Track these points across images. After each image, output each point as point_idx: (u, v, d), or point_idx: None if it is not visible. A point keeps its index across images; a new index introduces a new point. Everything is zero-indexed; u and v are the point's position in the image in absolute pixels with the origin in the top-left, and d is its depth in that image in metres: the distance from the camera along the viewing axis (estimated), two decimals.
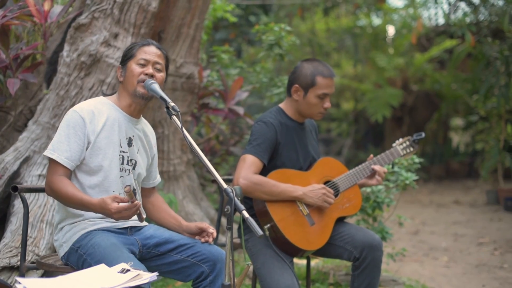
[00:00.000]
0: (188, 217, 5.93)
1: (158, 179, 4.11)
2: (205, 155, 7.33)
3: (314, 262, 6.58)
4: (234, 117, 7.13)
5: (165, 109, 3.58)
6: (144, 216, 3.56)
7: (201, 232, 3.76)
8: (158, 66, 3.76)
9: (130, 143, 3.79)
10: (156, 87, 3.63)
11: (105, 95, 3.89)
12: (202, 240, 3.72)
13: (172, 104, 3.50)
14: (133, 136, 3.81)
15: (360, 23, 17.12)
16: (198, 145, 7.33)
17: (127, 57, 3.76)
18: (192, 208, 6.02)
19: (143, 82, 3.69)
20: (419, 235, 9.12)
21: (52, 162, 3.63)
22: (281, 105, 4.55)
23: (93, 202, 3.45)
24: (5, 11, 5.92)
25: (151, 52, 3.76)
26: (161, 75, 3.77)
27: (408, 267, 7.00)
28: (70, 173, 3.65)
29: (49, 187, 3.61)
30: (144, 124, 3.98)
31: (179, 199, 5.93)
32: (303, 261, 6.34)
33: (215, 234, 3.76)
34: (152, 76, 3.71)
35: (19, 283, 2.88)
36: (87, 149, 3.64)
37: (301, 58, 13.97)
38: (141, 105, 3.82)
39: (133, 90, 3.71)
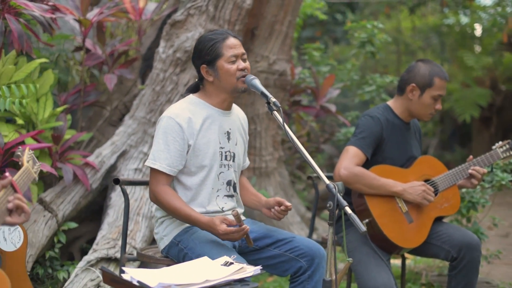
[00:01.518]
0: None
1: (247, 162, 4.09)
2: (295, 153, 7.34)
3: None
4: (325, 115, 7.11)
5: (259, 105, 3.57)
6: (252, 242, 3.57)
7: (278, 205, 3.73)
8: (244, 57, 3.74)
9: (228, 137, 3.80)
10: (257, 83, 3.62)
11: (188, 92, 3.89)
12: (277, 213, 3.68)
13: (274, 99, 3.49)
14: (230, 129, 3.81)
15: (447, 21, 16.83)
16: (288, 142, 7.33)
17: (212, 56, 3.68)
18: None
19: (242, 78, 3.69)
20: (510, 237, 8.92)
21: (154, 171, 3.65)
22: (389, 103, 4.53)
23: (201, 220, 3.47)
24: (101, 8, 6.05)
25: (234, 45, 3.70)
26: (248, 64, 3.75)
27: (499, 270, 6.83)
28: (172, 179, 3.69)
29: (154, 197, 3.65)
30: (237, 111, 3.97)
31: (270, 195, 5.93)
32: (397, 261, 6.27)
33: (291, 207, 3.72)
34: (245, 69, 3.70)
35: (126, 273, 2.93)
36: (187, 152, 3.67)
37: (387, 57, 13.84)
38: (234, 97, 3.84)
39: (233, 87, 3.69)
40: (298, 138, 7.22)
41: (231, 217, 3.52)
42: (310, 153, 7.64)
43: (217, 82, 3.70)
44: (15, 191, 2.56)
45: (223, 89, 3.72)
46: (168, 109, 3.73)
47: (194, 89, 3.85)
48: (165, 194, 3.58)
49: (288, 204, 3.69)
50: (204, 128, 3.69)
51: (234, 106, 3.94)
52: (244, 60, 3.71)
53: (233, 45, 3.70)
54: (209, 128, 3.71)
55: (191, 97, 3.79)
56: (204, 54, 3.70)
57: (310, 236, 4.77)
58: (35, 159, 3.07)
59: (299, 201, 6.45)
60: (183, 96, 3.90)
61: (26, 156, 2.96)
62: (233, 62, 3.67)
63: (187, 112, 3.67)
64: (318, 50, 8.02)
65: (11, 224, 2.53)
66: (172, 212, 3.59)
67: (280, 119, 3.42)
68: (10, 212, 2.51)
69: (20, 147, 2.98)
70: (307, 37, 13.58)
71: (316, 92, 6.85)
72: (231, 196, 3.78)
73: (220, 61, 3.67)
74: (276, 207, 3.67)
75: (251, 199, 3.94)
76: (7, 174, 2.55)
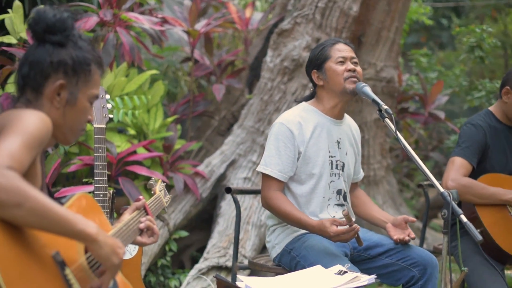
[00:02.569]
0: None
1: (361, 173, 4.07)
2: (403, 161, 7.24)
3: None
4: (433, 122, 6.99)
5: (376, 112, 3.53)
6: (363, 242, 3.53)
7: (404, 224, 3.68)
8: (354, 60, 3.72)
9: (338, 146, 3.78)
10: (368, 90, 3.59)
11: (300, 101, 3.90)
12: (401, 237, 3.63)
13: (385, 107, 3.44)
14: (340, 138, 3.79)
15: None
16: (395, 150, 7.24)
17: (320, 60, 3.71)
18: (392, 213, 5.93)
19: (349, 78, 3.67)
20: None
21: (265, 177, 3.67)
22: (491, 108, 4.41)
23: (311, 224, 3.46)
24: (209, 19, 6.14)
25: (343, 49, 3.71)
26: (359, 69, 3.73)
27: None
28: (283, 185, 3.70)
29: (266, 202, 3.67)
30: (349, 121, 3.95)
31: (379, 204, 5.87)
32: (510, 271, 6.07)
33: (413, 235, 3.66)
34: (354, 70, 3.68)
35: (240, 281, 2.95)
36: (298, 159, 3.68)
37: (494, 61, 13.47)
38: (346, 104, 3.80)
39: (341, 88, 3.67)
40: None
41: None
42: None
43: (326, 84, 3.71)
44: (147, 213, 2.64)
45: (332, 91, 3.71)
46: (281, 115, 3.76)
47: (309, 97, 3.86)
48: (276, 200, 3.60)
49: (413, 219, 3.66)
50: (314, 136, 3.69)
51: (346, 116, 3.93)
52: (354, 64, 3.70)
53: (342, 48, 3.72)
54: (320, 136, 3.70)
55: (304, 104, 3.81)
56: (314, 60, 3.74)
57: (421, 245, 4.69)
58: (166, 191, 3.16)
59: (408, 210, 6.35)
60: (296, 103, 3.91)
61: (158, 186, 3.06)
62: (341, 63, 3.67)
63: (298, 119, 3.68)
64: (425, 56, 7.89)
65: (140, 244, 2.60)
66: (283, 217, 3.60)
67: (392, 127, 3.38)
68: (141, 232, 2.59)
69: (153, 177, 3.08)
70: (412, 42, 13.38)
71: (424, 99, 6.74)
72: (341, 205, 3.76)
73: (328, 63, 3.69)
74: (405, 238, 3.62)
75: (375, 217, 3.89)
76: (141, 197, 2.65)
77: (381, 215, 3.87)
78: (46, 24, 2.22)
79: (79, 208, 2.26)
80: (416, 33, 13.85)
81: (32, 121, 2.08)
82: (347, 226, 3.35)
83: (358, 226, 3.38)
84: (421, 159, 6.86)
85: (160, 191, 3.03)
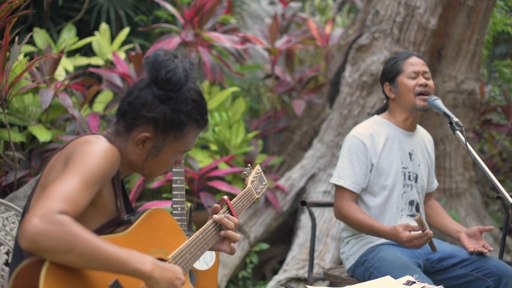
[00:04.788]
0: None
1: (435, 184, 4.08)
2: None
3: None
4: None
5: (448, 125, 3.56)
6: (436, 247, 3.55)
7: (479, 234, 3.68)
8: (427, 75, 3.75)
9: (411, 158, 3.82)
10: (440, 103, 3.62)
11: (372, 114, 3.96)
12: (478, 248, 3.63)
13: (456, 119, 3.48)
14: (412, 150, 3.83)
15: None
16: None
17: (393, 73, 3.76)
18: (475, 226, 5.89)
19: (421, 94, 3.71)
20: None
21: (339, 188, 3.74)
22: None
23: (385, 230, 3.52)
24: (289, 36, 6.26)
25: (416, 63, 3.75)
26: (431, 83, 3.76)
27: None
28: (356, 197, 3.76)
29: (339, 213, 3.74)
30: (421, 133, 3.98)
31: (461, 217, 5.83)
32: None
33: (489, 247, 3.65)
34: (426, 85, 3.72)
35: None
36: (370, 171, 3.74)
37: None
38: (418, 117, 3.84)
39: (411, 104, 3.72)
40: (491, 157, 7.06)
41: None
42: (504, 173, 7.42)
43: (398, 98, 3.76)
44: (231, 213, 2.63)
45: (403, 106, 3.76)
46: (354, 128, 3.83)
47: (382, 110, 3.92)
48: (348, 209, 3.66)
49: (490, 227, 3.67)
50: (386, 148, 3.74)
51: (419, 127, 3.95)
52: (427, 79, 3.74)
53: (415, 62, 3.76)
54: (392, 148, 3.75)
55: (376, 117, 3.87)
56: (387, 72, 3.80)
57: (500, 257, 4.65)
58: (263, 177, 3.04)
59: (493, 223, 6.26)
60: (369, 116, 3.97)
61: (252, 176, 2.95)
62: (413, 78, 3.71)
63: (370, 131, 3.75)
64: (509, 67, 7.78)
65: (218, 250, 2.60)
66: (356, 225, 3.65)
67: (463, 139, 3.40)
68: (222, 239, 2.59)
69: (249, 164, 3.01)
70: (502, 53, 13.15)
71: (508, 110, 6.65)
72: (414, 215, 3.78)
73: (400, 76, 3.74)
74: (483, 250, 3.63)
75: (450, 228, 3.90)
76: (225, 197, 2.63)
77: (455, 225, 3.88)
78: (157, 77, 2.25)
79: (149, 225, 2.29)
80: (505, 43, 13.59)
81: (95, 159, 2.11)
82: (420, 232, 3.39)
83: (431, 232, 3.40)
84: (507, 171, 6.75)
85: (253, 181, 2.92)
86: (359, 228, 3.66)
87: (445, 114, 3.55)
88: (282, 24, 6.76)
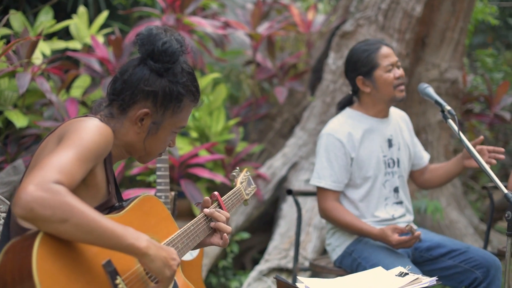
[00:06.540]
0: (452, 225, 5.78)
1: (426, 157, 4.02)
2: None
3: None
4: (499, 123, 6.86)
5: (436, 114, 3.49)
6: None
7: (482, 151, 3.60)
8: (398, 64, 3.71)
9: (390, 144, 3.77)
10: (431, 91, 3.57)
11: (340, 107, 3.88)
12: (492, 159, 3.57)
13: (448, 108, 3.42)
14: (391, 135, 3.78)
15: None
16: (460, 152, 7.11)
17: (368, 67, 3.66)
18: (456, 216, 5.86)
19: (398, 86, 3.65)
20: None
21: (320, 189, 3.69)
22: None
23: (373, 232, 3.50)
24: (271, 22, 6.15)
25: (389, 53, 3.69)
26: (402, 71, 3.72)
27: None
28: (339, 195, 3.71)
29: (324, 214, 3.69)
30: (394, 115, 3.90)
31: (443, 206, 5.80)
32: None
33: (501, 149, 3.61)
34: (401, 76, 3.67)
35: (300, 282, 2.95)
36: (351, 165, 3.68)
37: None
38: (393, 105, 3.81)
39: (391, 97, 3.67)
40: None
41: (401, 225, 3.52)
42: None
43: (375, 92, 3.70)
44: (221, 208, 2.59)
45: (381, 99, 3.71)
46: (327, 125, 3.76)
47: (348, 102, 3.84)
48: (334, 210, 3.62)
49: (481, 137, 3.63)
50: (364, 140, 3.70)
51: (393, 111, 3.90)
52: (398, 68, 3.69)
53: (387, 54, 3.70)
54: (370, 139, 3.71)
55: (348, 110, 3.80)
56: (360, 66, 3.69)
57: (485, 248, 4.61)
58: (251, 181, 3.02)
59: (473, 212, 6.24)
60: (338, 110, 3.88)
61: (241, 177, 2.93)
62: (390, 71, 3.65)
63: (346, 127, 3.69)
64: (491, 56, 7.75)
65: (210, 245, 2.55)
66: (343, 227, 3.62)
67: (455, 127, 3.34)
68: (212, 232, 2.54)
69: (238, 167, 2.96)
70: (479, 43, 13.16)
71: (490, 100, 6.62)
72: (400, 203, 3.76)
73: (377, 71, 3.66)
74: (489, 148, 3.60)
75: (451, 167, 3.86)
76: (215, 193, 2.60)
77: (453, 161, 3.86)
78: (153, 50, 2.25)
79: (141, 211, 2.26)
80: (483, 33, 13.61)
81: (89, 134, 2.08)
82: (409, 235, 3.40)
83: (420, 232, 3.43)
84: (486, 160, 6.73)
85: (242, 182, 2.91)
86: (347, 229, 3.64)
87: (436, 102, 3.49)
88: (264, 9, 6.66)
